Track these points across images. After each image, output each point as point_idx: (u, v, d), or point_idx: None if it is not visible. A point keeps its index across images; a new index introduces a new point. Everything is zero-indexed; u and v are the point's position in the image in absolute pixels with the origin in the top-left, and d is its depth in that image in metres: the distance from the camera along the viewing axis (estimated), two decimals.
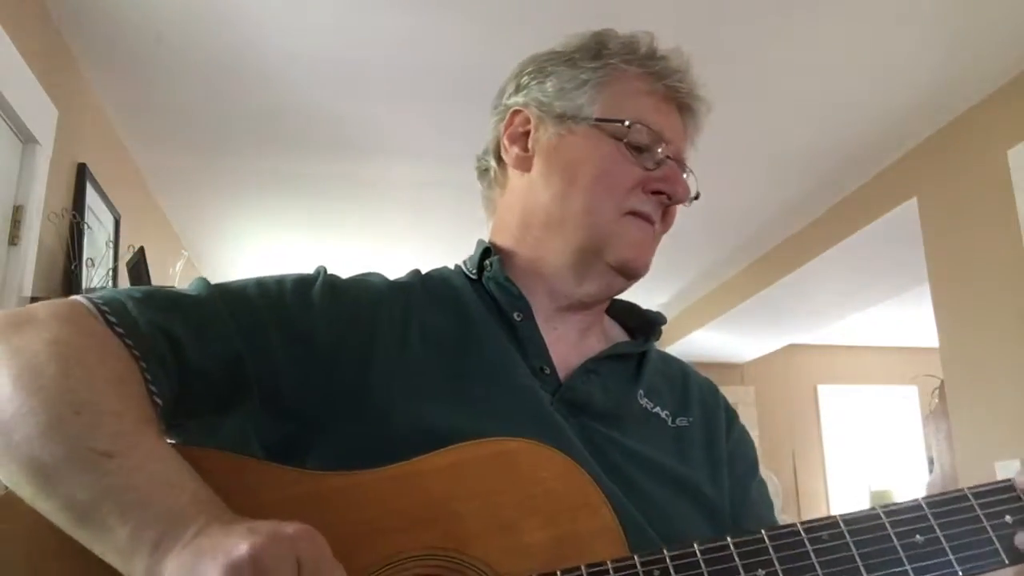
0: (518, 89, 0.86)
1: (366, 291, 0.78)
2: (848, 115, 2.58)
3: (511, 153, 0.85)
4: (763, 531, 0.60)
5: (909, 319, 4.79)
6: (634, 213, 0.80)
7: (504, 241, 0.86)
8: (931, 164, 2.71)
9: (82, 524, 0.54)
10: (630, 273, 0.82)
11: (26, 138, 1.93)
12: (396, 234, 3.61)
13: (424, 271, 0.87)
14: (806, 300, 4.03)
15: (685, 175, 0.84)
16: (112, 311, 0.64)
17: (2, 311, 0.65)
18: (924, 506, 0.61)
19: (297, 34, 2.14)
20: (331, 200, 3.30)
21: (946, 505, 0.61)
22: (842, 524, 0.60)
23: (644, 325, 0.90)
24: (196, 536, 0.51)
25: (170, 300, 0.69)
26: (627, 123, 0.79)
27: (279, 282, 0.76)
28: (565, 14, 1.97)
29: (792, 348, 5.20)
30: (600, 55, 0.82)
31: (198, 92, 2.42)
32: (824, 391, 5.70)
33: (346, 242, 3.75)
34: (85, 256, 2.25)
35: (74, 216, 2.22)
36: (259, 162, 2.94)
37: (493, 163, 0.89)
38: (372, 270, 0.84)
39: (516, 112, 0.85)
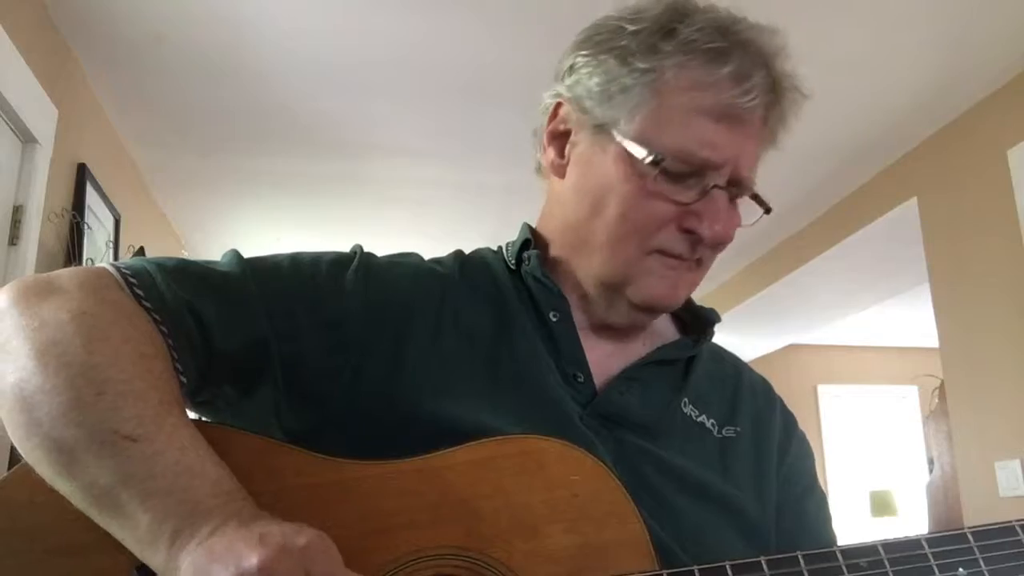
0: (571, 71, 0.74)
1: (403, 277, 0.74)
2: (848, 115, 2.58)
3: (548, 156, 0.77)
4: (799, 553, 0.57)
5: (909, 319, 4.80)
6: (661, 251, 0.71)
7: (547, 235, 0.80)
8: (931, 164, 2.71)
9: (102, 508, 0.54)
10: (657, 311, 0.75)
11: (26, 138, 1.93)
12: (396, 233, 3.61)
13: (466, 252, 0.82)
14: (806, 300, 4.03)
15: (740, 197, 0.73)
16: (140, 283, 0.63)
17: (27, 277, 0.63)
18: (969, 536, 0.59)
19: (297, 34, 2.14)
20: (331, 199, 3.30)
21: (992, 537, 0.59)
22: (882, 551, 0.58)
23: (696, 321, 0.82)
24: (211, 535, 0.51)
25: (199, 275, 0.67)
26: (658, 158, 0.67)
27: (314, 262, 0.72)
28: (567, 13, 1.97)
29: (792, 348, 5.20)
30: (656, 49, 0.69)
31: (198, 92, 2.41)
32: (824, 391, 5.71)
33: (346, 241, 3.73)
34: (85, 256, 2.25)
35: (74, 216, 2.22)
36: (259, 162, 2.94)
37: (539, 153, 0.80)
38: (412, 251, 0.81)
39: (560, 105, 0.75)
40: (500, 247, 0.82)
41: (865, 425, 5.69)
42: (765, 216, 0.76)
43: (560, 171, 0.76)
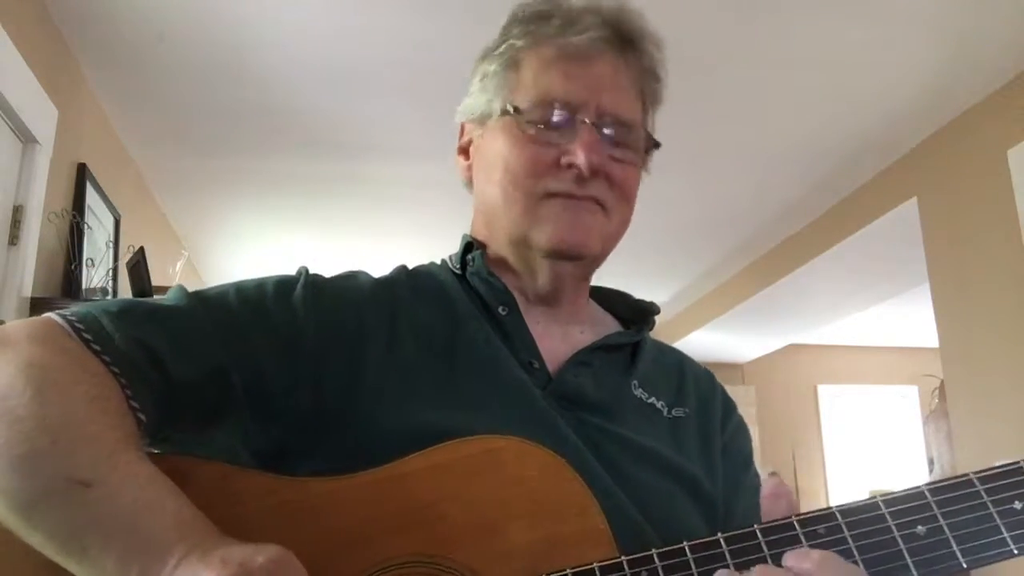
0: (467, 95, 0.84)
1: (351, 291, 0.76)
2: (848, 115, 2.58)
3: (460, 167, 0.86)
4: (756, 526, 0.57)
5: (909, 319, 4.80)
6: (551, 195, 0.75)
7: (477, 235, 0.84)
8: (931, 164, 2.71)
9: (68, 555, 0.53)
10: (567, 255, 0.77)
11: (26, 138, 1.93)
12: (396, 233, 3.61)
13: (411, 267, 0.85)
14: (806, 300, 4.03)
15: (613, 129, 0.76)
16: (87, 328, 0.63)
17: None
18: (927, 493, 0.58)
19: (297, 34, 2.14)
20: (331, 199, 3.30)
21: (949, 492, 0.58)
22: (839, 516, 0.57)
23: (637, 314, 0.87)
24: (176, 567, 0.51)
25: (147, 312, 0.67)
26: (513, 108, 0.76)
27: (259, 286, 0.73)
28: None
29: (792, 348, 5.19)
30: (507, 35, 0.80)
31: (198, 92, 2.41)
32: (824, 391, 5.70)
33: (346, 241, 3.75)
34: (85, 256, 2.25)
35: (74, 216, 2.22)
36: (259, 162, 2.94)
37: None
38: (359, 269, 0.83)
39: (463, 125, 0.85)
40: (444, 259, 0.86)
41: (865, 425, 5.69)
42: (656, 150, 0.82)
43: (469, 172, 0.84)
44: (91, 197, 2.34)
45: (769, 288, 3.84)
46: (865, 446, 5.61)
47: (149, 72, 2.30)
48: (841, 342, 5.64)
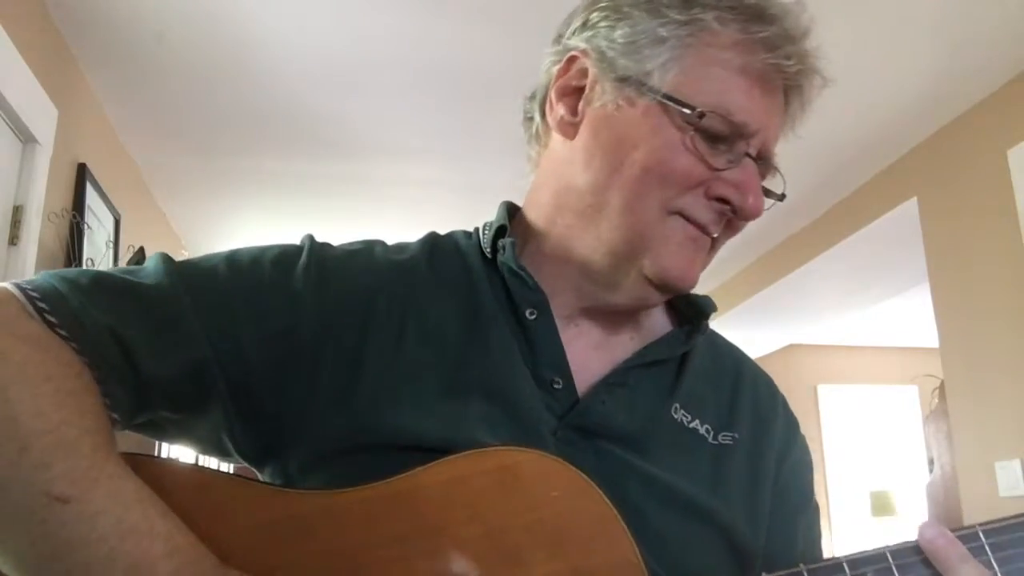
0: (584, 27, 0.68)
1: (362, 273, 0.67)
2: (848, 115, 2.58)
3: (556, 112, 0.69)
4: (802, 565, 0.53)
5: (909, 319, 4.79)
6: (685, 216, 0.64)
7: (533, 216, 0.72)
8: (931, 164, 2.71)
9: None
10: (670, 288, 0.66)
11: (26, 138, 1.93)
12: (396, 233, 3.57)
13: (441, 234, 0.76)
14: (806, 300, 4.03)
15: (767, 178, 0.68)
16: (51, 308, 0.54)
17: None
18: (981, 535, 0.54)
19: (297, 34, 2.14)
20: (330, 199, 3.30)
21: (1005, 534, 0.54)
22: (890, 558, 0.53)
23: (690, 310, 0.74)
24: None
25: (120, 290, 0.58)
26: (699, 111, 0.62)
27: (255, 261, 0.64)
28: (568, 12, 1.97)
29: (792, 348, 5.19)
30: (692, 2, 0.63)
31: (198, 92, 2.41)
32: (824, 391, 5.70)
33: (345, 240, 3.75)
34: (85, 256, 2.25)
35: (74, 216, 2.22)
36: (259, 162, 2.94)
37: (537, 115, 0.73)
38: (375, 240, 0.74)
39: (574, 58, 0.68)
40: (476, 229, 0.75)
41: (865, 425, 5.69)
42: (776, 203, 0.71)
43: (571, 130, 0.68)
44: (91, 197, 2.34)
45: (769, 288, 3.84)
46: (865, 446, 5.61)
47: (149, 72, 2.30)
48: (841, 342, 5.63)
